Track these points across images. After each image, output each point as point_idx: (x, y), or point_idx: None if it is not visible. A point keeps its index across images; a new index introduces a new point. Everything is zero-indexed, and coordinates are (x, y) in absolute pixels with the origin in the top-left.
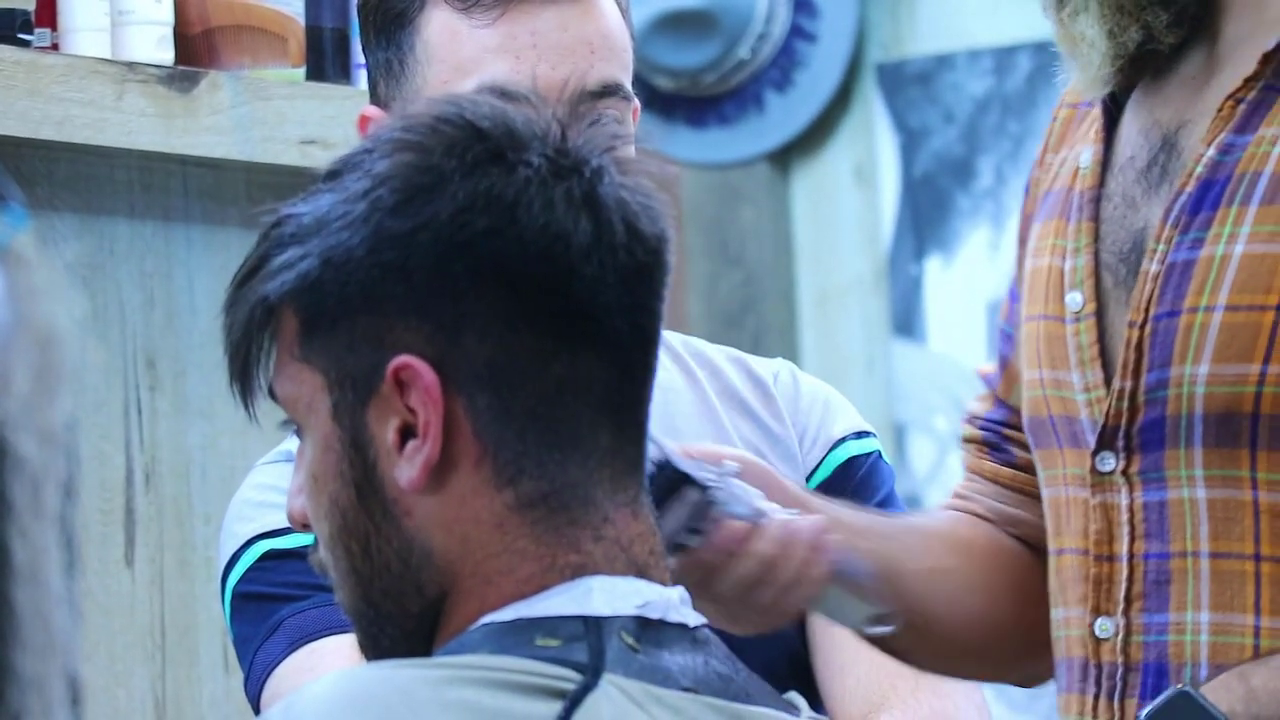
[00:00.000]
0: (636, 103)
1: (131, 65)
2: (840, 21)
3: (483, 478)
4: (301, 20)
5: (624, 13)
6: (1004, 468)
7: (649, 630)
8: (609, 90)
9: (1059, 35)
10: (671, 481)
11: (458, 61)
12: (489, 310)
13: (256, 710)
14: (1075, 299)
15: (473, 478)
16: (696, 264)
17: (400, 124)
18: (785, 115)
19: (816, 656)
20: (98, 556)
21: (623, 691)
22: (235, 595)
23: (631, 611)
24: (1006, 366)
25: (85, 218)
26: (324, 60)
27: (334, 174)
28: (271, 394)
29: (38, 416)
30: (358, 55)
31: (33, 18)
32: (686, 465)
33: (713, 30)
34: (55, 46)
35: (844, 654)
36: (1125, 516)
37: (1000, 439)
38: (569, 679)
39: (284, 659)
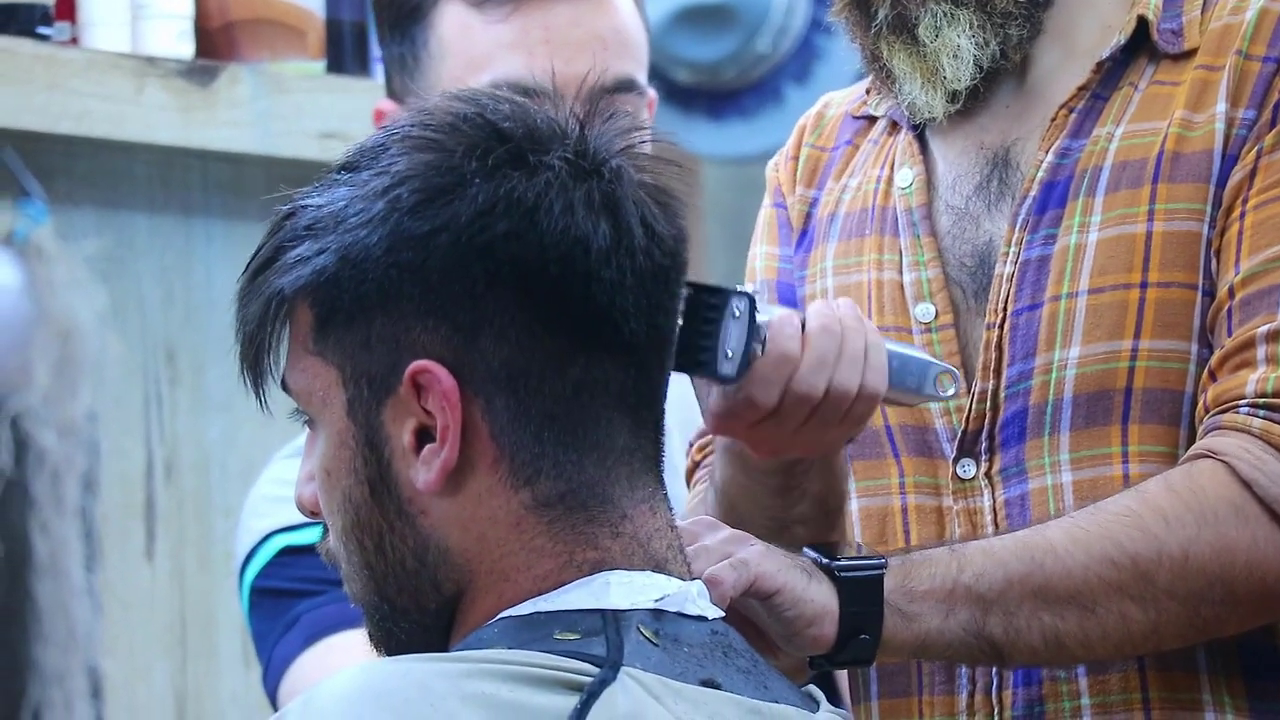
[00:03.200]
0: (653, 94)
1: (151, 59)
2: None
3: (499, 478)
4: (321, 14)
5: (638, 6)
6: None
7: (667, 623)
8: (622, 86)
9: (899, 57)
10: (711, 305)
11: (471, 57)
12: (507, 313)
13: (274, 704)
14: (927, 310)
15: (489, 478)
16: (716, 257)
17: (419, 120)
18: (805, 108)
19: None
20: (118, 550)
21: (640, 684)
22: (253, 590)
23: (649, 605)
24: None
25: (105, 212)
26: (343, 54)
27: (350, 166)
28: (284, 385)
29: (58, 410)
30: (377, 49)
31: (52, 12)
32: (719, 285)
33: (732, 23)
34: (74, 40)
35: None
36: (989, 518)
37: None
38: (586, 672)
39: (301, 654)
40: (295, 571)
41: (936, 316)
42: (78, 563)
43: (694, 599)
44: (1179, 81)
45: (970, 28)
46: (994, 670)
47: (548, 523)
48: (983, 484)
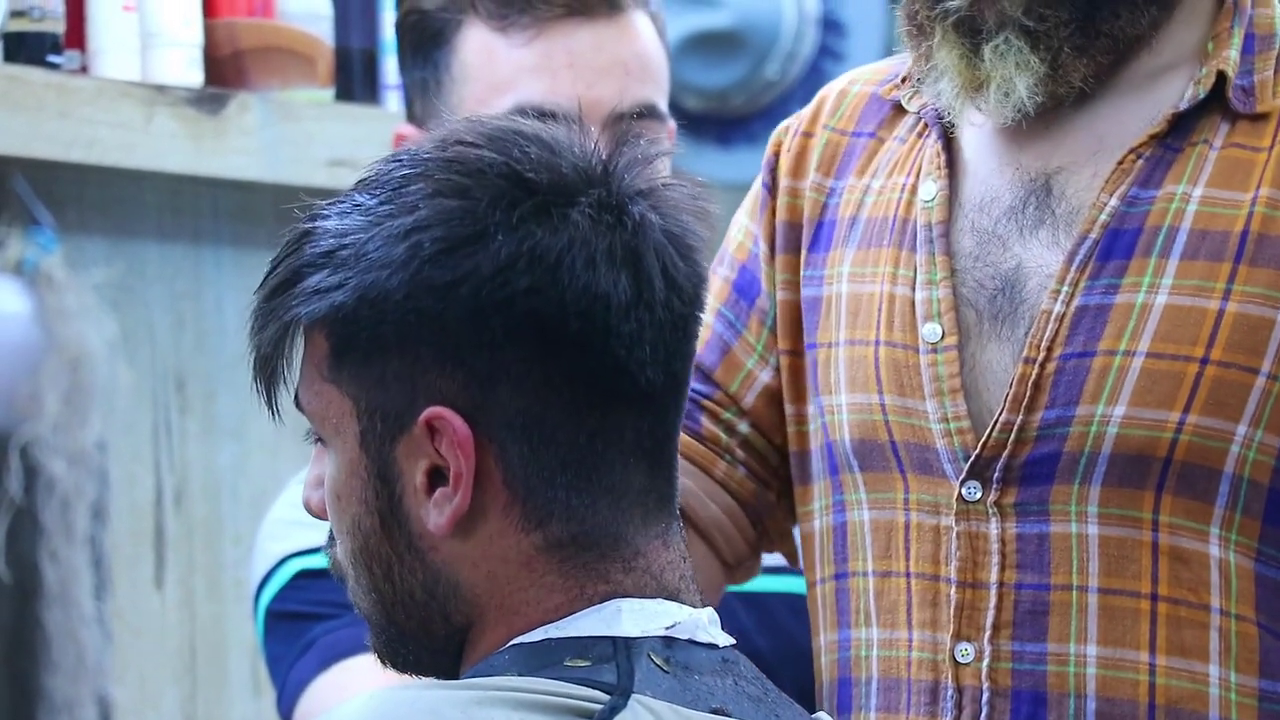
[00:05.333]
0: (672, 123)
1: (160, 87)
2: (868, 41)
3: (511, 521)
4: (330, 42)
5: (660, 34)
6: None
7: (678, 651)
8: (644, 112)
9: (950, 53)
10: None
11: (494, 80)
12: (524, 364)
13: None
14: (934, 330)
15: (501, 521)
16: None
17: (444, 157)
18: None
19: None
20: (128, 578)
21: (651, 711)
22: (268, 614)
23: (660, 632)
24: (728, 352)
25: (115, 240)
26: (352, 81)
27: (370, 191)
28: (297, 403)
29: (68, 438)
30: (386, 76)
31: (62, 40)
32: None
33: (741, 50)
34: (84, 69)
35: None
36: (995, 546)
37: (694, 407)
38: (597, 699)
39: (316, 677)
40: (311, 595)
41: (942, 337)
42: (87, 591)
43: (705, 626)
44: (1259, 148)
45: (1034, 80)
46: (984, 700)
47: (559, 561)
48: (990, 510)
